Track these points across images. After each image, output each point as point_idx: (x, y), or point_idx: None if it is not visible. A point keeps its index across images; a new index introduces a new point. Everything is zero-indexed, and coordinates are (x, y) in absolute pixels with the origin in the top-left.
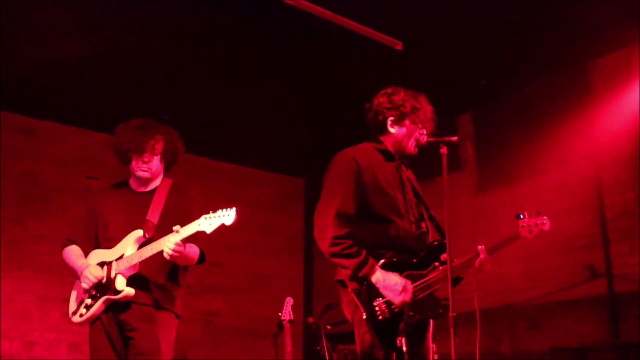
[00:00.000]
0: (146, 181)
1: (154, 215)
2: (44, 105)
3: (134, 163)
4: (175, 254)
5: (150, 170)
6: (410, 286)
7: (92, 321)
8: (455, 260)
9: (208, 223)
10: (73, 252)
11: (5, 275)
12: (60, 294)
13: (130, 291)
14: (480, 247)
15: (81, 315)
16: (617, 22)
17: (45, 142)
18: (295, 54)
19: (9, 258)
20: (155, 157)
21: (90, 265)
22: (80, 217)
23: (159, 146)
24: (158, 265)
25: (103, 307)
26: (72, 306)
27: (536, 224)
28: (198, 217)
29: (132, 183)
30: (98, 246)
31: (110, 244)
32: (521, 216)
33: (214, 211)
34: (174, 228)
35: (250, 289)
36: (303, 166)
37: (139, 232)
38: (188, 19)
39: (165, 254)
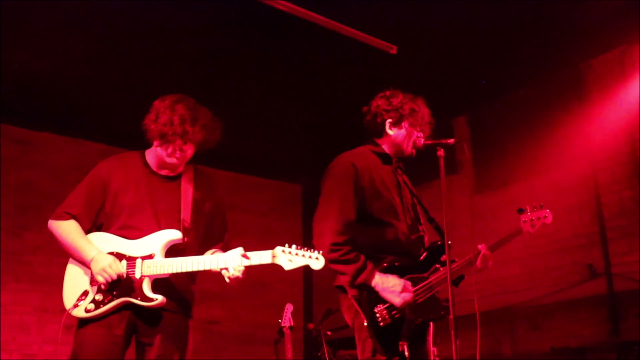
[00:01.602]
0: (172, 166)
1: (186, 214)
2: (39, 115)
3: (170, 148)
4: (238, 281)
5: (184, 159)
6: (410, 286)
7: (96, 318)
8: (456, 260)
9: (287, 259)
10: (75, 230)
11: (2, 287)
12: (58, 305)
13: (163, 300)
14: (481, 245)
15: (87, 311)
16: (609, 23)
17: (41, 152)
18: (291, 59)
19: (6, 270)
20: (193, 147)
21: (107, 255)
22: (83, 185)
23: (201, 138)
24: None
25: (117, 307)
26: (71, 297)
27: (538, 218)
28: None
29: (152, 161)
30: (101, 227)
31: (128, 232)
32: (523, 210)
33: (290, 245)
34: (241, 252)
35: (249, 296)
36: (300, 171)
37: (177, 235)
38: (183, 27)
39: (227, 277)
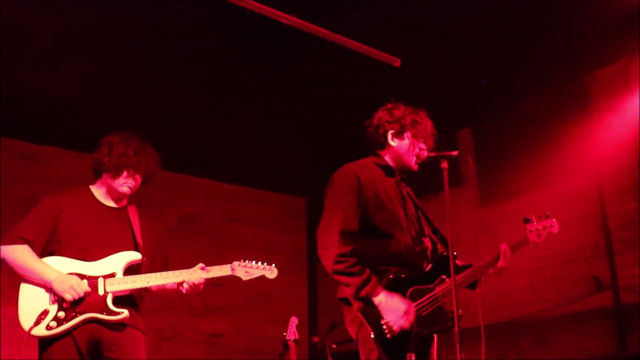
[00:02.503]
0: (119, 198)
1: (138, 238)
2: (43, 130)
3: (121, 177)
4: (197, 290)
5: (134, 188)
6: (412, 311)
7: (58, 336)
8: (473, 264)
9: (244, 271)
10: (30, 254)
11: (6, 301)
12: None
13: (127, 314)
14: (503, 244)
15: (49, 328)
16: (613, 34)
17: (45, 166)
18: (295, 73)
19: (10, 283)
20: (141, 178)
21: (70, 275)
22: (35, 213)
23: (150, 170)
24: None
25: (80, 324)
26: (30, 316)
27: (544, 227)
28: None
29: (100, 194)
30: (53, 254)
31: (84, 256)
32: (529, 220)
33: (244, 260)
34: (202, 266)
35: (254, 309)
36: (304, 185)
37: (136, 255)
38: (188, 42)
39: (184, 289)
